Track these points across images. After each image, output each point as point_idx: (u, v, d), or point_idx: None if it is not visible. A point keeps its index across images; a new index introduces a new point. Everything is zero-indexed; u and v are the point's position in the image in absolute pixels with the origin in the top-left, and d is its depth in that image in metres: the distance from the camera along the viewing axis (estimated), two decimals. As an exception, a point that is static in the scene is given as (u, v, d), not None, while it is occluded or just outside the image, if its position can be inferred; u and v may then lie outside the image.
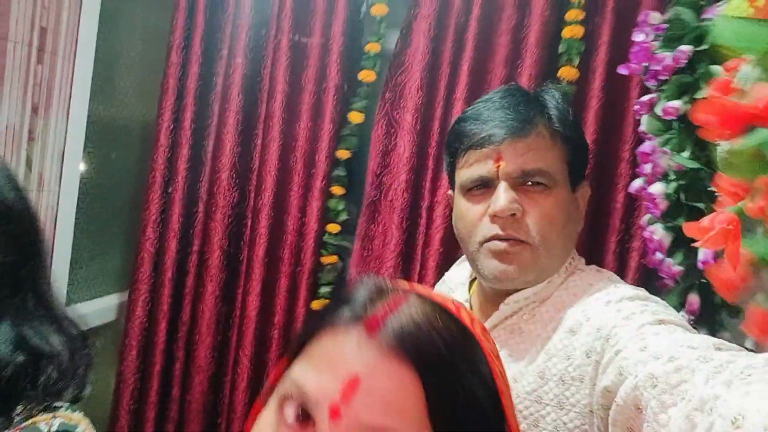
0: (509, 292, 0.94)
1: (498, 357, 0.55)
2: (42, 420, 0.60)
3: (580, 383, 0.82)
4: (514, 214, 0.90)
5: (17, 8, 1.63)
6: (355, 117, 1.71)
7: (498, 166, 0.91)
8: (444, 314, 0.51)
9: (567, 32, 1.48)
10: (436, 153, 1.60)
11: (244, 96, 1.75)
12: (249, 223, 1.77)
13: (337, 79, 1.69)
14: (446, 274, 1.22)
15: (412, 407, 0.47)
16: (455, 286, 1.12)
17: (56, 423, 0.60)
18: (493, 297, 0.97)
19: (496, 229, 0.91)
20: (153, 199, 1.78)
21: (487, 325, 0.95)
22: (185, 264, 1.82)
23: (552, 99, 0.97)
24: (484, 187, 0.94)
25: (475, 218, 0.94)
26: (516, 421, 0.55)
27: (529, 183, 0.92)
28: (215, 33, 1.78)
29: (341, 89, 1.70)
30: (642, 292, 0.88)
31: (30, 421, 0.58)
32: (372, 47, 1.68)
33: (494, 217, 0.91)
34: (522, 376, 0.89)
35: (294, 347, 0.54)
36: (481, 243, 0.93)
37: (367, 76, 1.68)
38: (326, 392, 0.47)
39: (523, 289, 0.93)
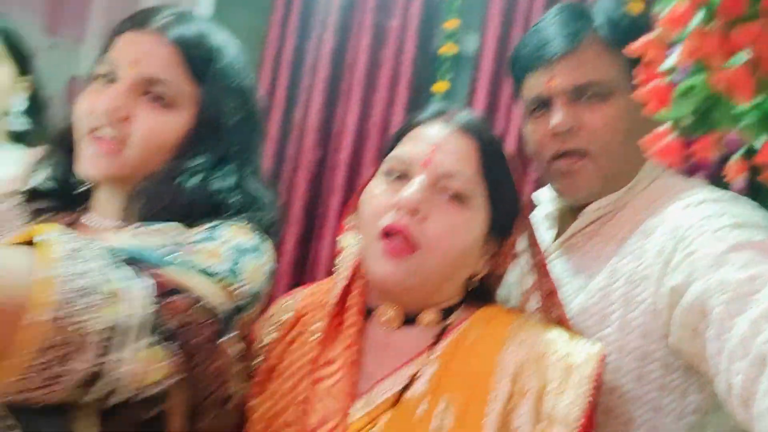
0: (588, 202, 0.96)
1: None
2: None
3: (647, 281, 0.82)
4: (571, 128, 0.91)
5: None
6: (440, 87, 1.89)
7: (550, 84, 0.92)
8: (488, 125, 0.92)
9: None
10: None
11: (331, 68, 2.01)
12: (327, 179, 2.02)
13: (413, 54, 1.91)
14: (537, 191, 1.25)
15: (471, 163, 0.79)
16: (545, 200, 1.11)
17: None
18: (573, 208, 1.00)
19: (557, 145, 0.93)
20: (247, 155, 2.06)
21: (567, 233, 0.99)
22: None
23: (604, 7, 0.94)
24: (543, 107, 0.95)
25: (539, 137, 0.96)
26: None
27: (586, 96, 0.91)
28: (309, 13, 2.05)
29: (417, 64, 1.92)
30: (727, 193, 0.84)
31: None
32: (451, 23, 1.88)
33: (554, 135, 0.92)
34: (594, 274, 0.91)
35: (387, 149, 0.84)
36: (548, 161, 0.95)
37: (449, 49, 1.88)
38: (418, 154, 0.78)
39: (599, 198, 0.95)
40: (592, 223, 0.96)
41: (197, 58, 0.76)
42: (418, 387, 0.73)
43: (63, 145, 0.80)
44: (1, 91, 1.27)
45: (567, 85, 0.92)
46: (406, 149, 0.80)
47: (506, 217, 0.83)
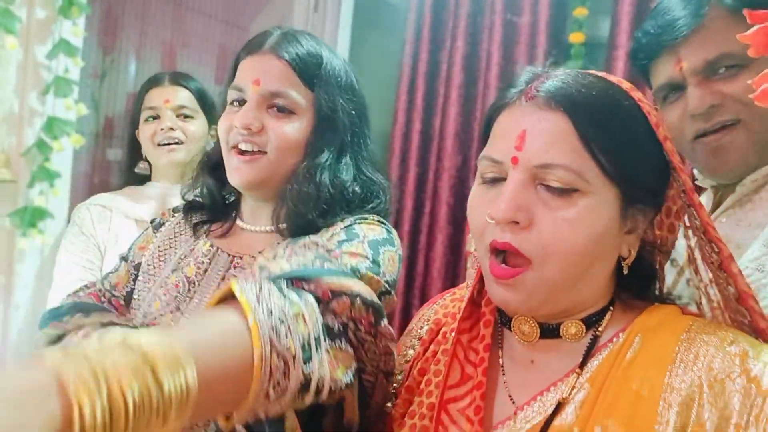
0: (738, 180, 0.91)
1: (660, 123, 0.66)
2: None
3: None
4: (713, 106, 0.86)
5: (296, 27, 2.17)
6: None
7: (680, 67, 0.89)
8: (594, 76, 0.65)
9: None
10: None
11: (465, 73, 2.05)
12: (471, 182, 2.04)
13: (546, 46, 1.88)
14: None
15: (568, 142, 0.61)
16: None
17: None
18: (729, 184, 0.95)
19: (699, 125, 0.88)
20: (392, 168, 2.17)
21: (723, 206, 0.93)
22: (419, 223, 2.17)
23: None
24: (677, 90, 0.91)
25: (677, 122, 0.91)
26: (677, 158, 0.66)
27: (721, 69, 0.87)
28: (439, 27, 2.11)
29: (551, 54, 1.89)
30: None
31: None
32: (580, 12, 1.83)
33: (693, 117, 0.88)
34: (748, 244, 0.87)
35: (482, 143, 0.72)
36: (691, 142, 0.90)
37: (577, 38, 1.84)
38: (507, 150, 0.63)
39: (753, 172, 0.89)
40: (750, 193, 0.90)
41: (306, 67, 0.85)
42: (566, 416, 0.62)
43: (209, 166, 0.95)
44: (199, 140, 1.49)
45: (698, 64, 0.87)
46: (493, 147, 0.66)
47: (647, 182, 0.66)
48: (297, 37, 0.87)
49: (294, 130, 0.85)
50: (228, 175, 0.87)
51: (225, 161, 0.88)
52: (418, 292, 2.16)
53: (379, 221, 0.85)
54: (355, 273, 0.71)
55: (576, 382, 0.64)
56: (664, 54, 0.91)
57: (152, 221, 1.00)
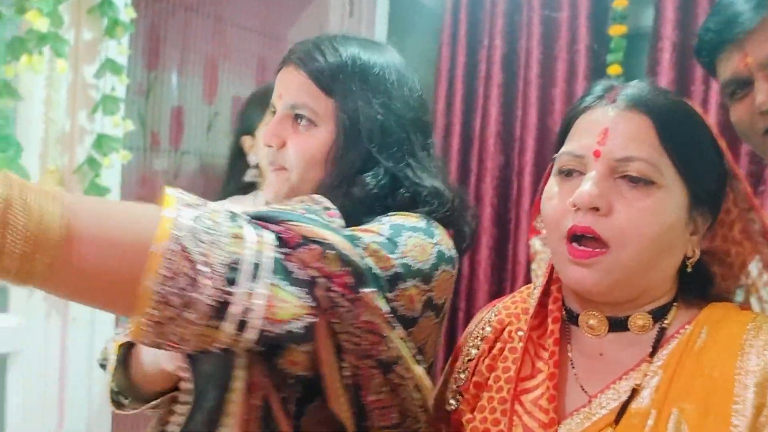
0: None
1: (720, 137, 0.74)
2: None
3: None
4: None
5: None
6: (614, 69, 1.81)
7: (746, 63, 0.87)
8: (666, 91, 0.78)
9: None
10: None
11: (504, 73, 2.01)
12: (514, 182, 2.01)
13: (587, 40, 1.83)
14: None
15: (647, 140, 0.69)
16: None
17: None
18: None
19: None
20: (434, 170, 2.15)
21: None
22: (462, 225, 2.14)
23: None
24: (744, 86, 0.90)
25: (746, 117, 0.90)
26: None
27: None
28: (476, 27, 2.09)
29: (592, 49, 1.84)
30: None
31: None
32: (620, 2, 1.78)
33: (763, 113, 0.87)
34: None
35: (557, 143, 0.76)
36: (762, 136, 0.90)
37: (618, 30, 1.79)
38: (588, 145, 0.70)
39: None
40: None
41: (324, 75, 0.81)
42: (642, 400, 0.66)
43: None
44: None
45: (764, 58, 0.86)
46: (574, 143, 0.72)
47: (709, 186, 0.73)
48: (320, 46, 0.83)
49: (315, 140, 0.81)
50: (264, 190, 0.87)
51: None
52: (464, 295, 2.13)
53: (423, 217, 0.78)
54: (352, 240, 0.64)
55: (648, 369, 0.68)
56: (729, 50, 0.90)
57: None
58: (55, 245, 0.47)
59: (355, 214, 0.77)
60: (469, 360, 0.81)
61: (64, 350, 1.46)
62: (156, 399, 0.82)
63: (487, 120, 2.04)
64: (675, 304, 0.72)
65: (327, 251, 0.60)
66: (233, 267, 0.54)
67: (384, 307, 0.64)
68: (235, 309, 0.53)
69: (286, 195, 0.82)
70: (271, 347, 0.59)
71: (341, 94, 0.80)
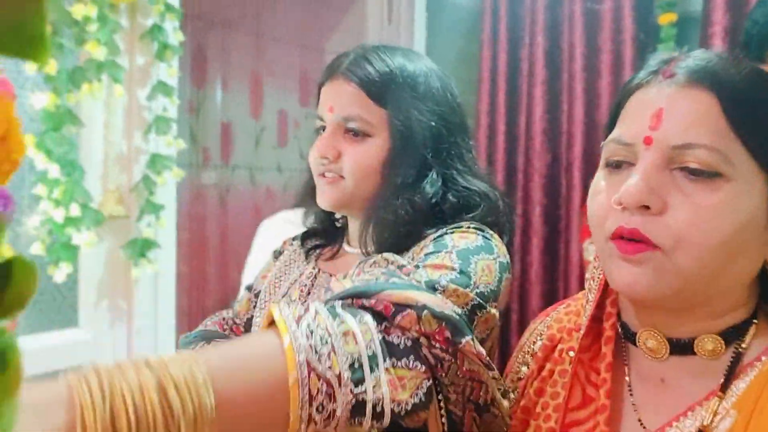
0: None
1: None
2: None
3: None
4: None
5: (372, 42, 2.21)
6: None
7: None
8: (736, 56, 0.60)
9: None
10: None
11: (548, 69, 1.98)
12: (563, 180, 1.97)
13: (632, 30, 1.79)
14: None
15: (712, 122, 0.54)
16: None
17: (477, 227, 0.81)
18: None
19: None
20: (480, 172, 2.14)
21: None
22: (511, 226, 2.12)
23: None
24: None
25: None
26: None
27: None
28: (517, 24, 2.07)
29: (638, 39, 1.79)
30: None
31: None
32: (667, -10, 1.73)
33: None
34: None
35: (605, 134, 0.65)
36: None
37: (667, 18, 1.74)
38: (638, 131, 0.57)
39: None
40: None
41: (375, 86, 0.83)
42: None
43: (312, 193, 0.94)
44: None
45: None
46: (623, 128, 0.59)
47: None
48: (367, 56, 0.85)
49: (369, 152, 0.83)
50: (317, 199, 0.89)
51: (316, 186, 0.89)
52: (516, 296, 2.10)
53: (476, 228, 0.79)
54: (432, 287, 0.66)
55: (719, 407, 0.56)
56: None
57: (274, 250, 1.04)
58: (211, 419, 0.50)
59: (416, 222, 0.79)
60: (519, 378, 0.74)
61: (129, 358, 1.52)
62: None
63: (533, 118, 2.02)
64: (755, 321, 0.59)
65: (421, 313, 0.61)
66: (354, 366, 0.57)
67: (481, 350, 0.64)
68: (368, 405, 0.57)
69: (342, 203, 0.86)
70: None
71: (393, 104, 0.82)
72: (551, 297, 2.03)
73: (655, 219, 0.55)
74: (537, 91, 2.00)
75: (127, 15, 1.43)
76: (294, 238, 1.02)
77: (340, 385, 0.56)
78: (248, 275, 1.48)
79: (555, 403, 0.67)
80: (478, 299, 0.68)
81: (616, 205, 0.57)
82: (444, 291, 0.66)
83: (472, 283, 0.69)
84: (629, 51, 1.80)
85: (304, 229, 0.99)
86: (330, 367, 0.56)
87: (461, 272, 0.69)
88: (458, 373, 0.63)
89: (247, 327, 0.96)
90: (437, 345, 0.61)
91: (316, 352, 0.56)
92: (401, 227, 0.80)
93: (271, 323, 0.60)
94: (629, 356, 0.64)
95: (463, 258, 0.71)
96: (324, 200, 0.87)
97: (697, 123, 0.55)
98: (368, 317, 0.61)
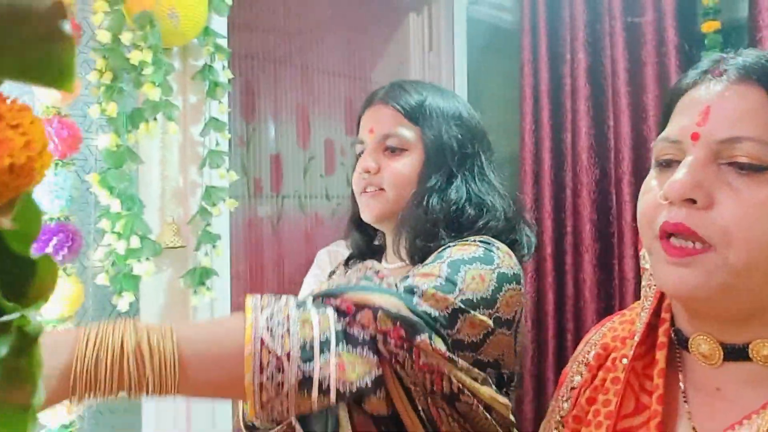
0: None
1: None
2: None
3: None
4: None
5: (414, 73, 2.26)
6: None
7: None
8: None
9: None
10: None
11: (591, 84, 1.97)
12: (613, 194, 1.93)
13: (676, 41, 1.76)
14: None
15: (761, 115, 0.54)
16: None
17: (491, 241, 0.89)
18: None
19: None
20: (525, 191, 2.12)
21: None
22: (562, 244, 2.08)
23: None
24: None
25: None
26: None
27: None
28: (557, 42, 2.07)
29: (683, 49, 1.76)
30: None
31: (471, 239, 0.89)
32: (709, -3, 1.70)
33: None
34: None
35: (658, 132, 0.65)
36: None
37: (711, 26, 1.70)
38: (686, 128, 0.57)
39: None
40: None
41: (410, 107, 0.94)
42: None
43: (354, 219, 1.04)
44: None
45: None
46: (671, 127, 0.60)
47: None
48: (402, 85, 0.97)
49: (406, 165, 0.93)
50: (361, 215, 0.98)
51: (359, 204, 0.98)
52: (570, 316, 2.06)
53: (482, 241, 0.86)
54: (411, 291, 0.74)
55: None
56: None
57: (330, 271, 1.14)
58: (174, 372, 0.63)
59: (438, 223, 0.88)
60: (573, 388, 0.74)
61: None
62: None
63: (578, 134, 2.00)
64: None
65: (377, 313, 0.69)
66: (306, 348, 0.66)
67: (441, 346, 0.71)
68: (315, 381, 0.66)
69: (384, 215, 0.94)
70: (355, 398, 0.70)
71: (426, 122, 0.93)
72: (607, 314, 1.97)
73: (701, 213, 0.54)
74: (581, 107, 1.99)
75: (180, 57, 1.53)
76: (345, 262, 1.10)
77: (288, 360, 0.65)
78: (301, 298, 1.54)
79: (606, 411, 0.66)
80: (460, 304, 0.75)
81: (663, 200, 0.57)
82: (422, 295, 0.74)
83: (457, 290, 0.76)
84: (674, 62, 1.77)
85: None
86: (282, 346, 0.65)
87: (447, 280, 0.77)
88: (413, 366, 0.70)
89: None
90: (391, 341, 0.69)
91: (270, 331, 0.66)
92: (430, 230, 0.89)
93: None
94: (684, 364, 0.63)
95: (453, 267, 0.79)
96: (368, 214, 0.95)
97: (746, 117, 0.54)
98: (330, 311, 0.70)
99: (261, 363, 0.64)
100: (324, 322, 0.68)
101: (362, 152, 0.97)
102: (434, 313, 0.73)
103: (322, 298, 0.73)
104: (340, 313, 0.71)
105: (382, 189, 0.93)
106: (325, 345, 0.67)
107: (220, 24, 1.57)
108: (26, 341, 0.23)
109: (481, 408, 0.74)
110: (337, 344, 0.67)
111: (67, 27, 0.22)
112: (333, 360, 0.66)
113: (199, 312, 1.60)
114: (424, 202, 0.90)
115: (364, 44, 2.37)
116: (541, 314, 2.10)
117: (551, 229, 2.07)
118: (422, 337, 0.69)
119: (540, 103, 2.10)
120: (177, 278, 1.56)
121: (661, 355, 0.63)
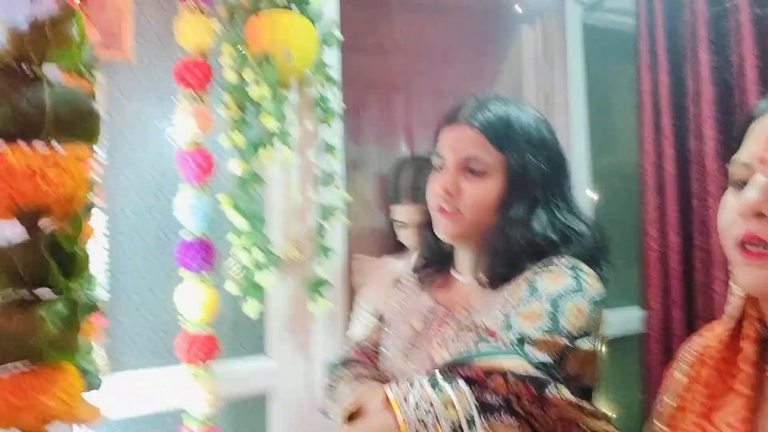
0: None
1: None
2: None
3: None
4: None
5: (528, 85, 2.26)
6: None
7: None
8: None
9: None
10: None
11: (716, 86, 1.83)
12: (745, 203, 1.77)
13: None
14: None
15: None
16: None
17: (575, 263, 0.88)
18: None
19: None
20: (648, 200, 2.02)
21: None
22: (690, 258, 1.95)
23: None
24: None
25: None
26: None
27: None
28: (676, 42, 1.96)
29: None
30: None
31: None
32: None
33: None
34: None
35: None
36: None
37: None
38: (754, 152, 0.66)
39: None
40: None
41: (495, 131, 0.93)
42: None
43: (426, 221, 1.05)
44: None
45: None
46: (743, 151, 0.68)
47: None
48: (487, 104, 0.96)
49: (486, 190, 0.93)
50: (435, 230, 1.00)
51: (432, 218, 1.00)
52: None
53: (568, 267, 0.86)
54: (523, 341, 0.77)
55: None
56: None
57: (394, 279, 1.16)
58: None
59: (522, 255, 0.90)
60: (674, 387, 0.80)
61: (308, 387, 1.73)
62: None
63: (703, 140, 1.87)
64: None
65: (508, 378, 0.73)
66: (457, 430, 0.71)
67: (567, 393, 0.74)
68: None
69: (460, 236, 0.96)
70: None
71: (511, 148, 0.92)
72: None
73: None
74: (705, 111, 1.85)
75: (296, 88, 1.70)
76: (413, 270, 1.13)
77: None
78: (356, 311, 1.65)
79: (697, 411, 0.73)
80: (566, 341, 0.78)
81: (738, 216, 0.65)
82: (535, 344, 0.77)
83: (560, 327, 0.79)
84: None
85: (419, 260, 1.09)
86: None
87: (551, 320, 0.80)
88: (547, 419, 0.73)
89: (378, 352, 1.07)
90: (525, 400, 0.72)
91: (422, 422, 0.71)
92: (511, 259, 0.90)
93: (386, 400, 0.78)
94: None
95: (554, 304, 0.81)
96: (444, 233, 0.97)
97: None
98: (463, 385, 0.74)
99: None
100: (462, 399, 0.73)
101: (441, 166, 0.97)
102: (549, 360, 0.76)
103: (449, 368, 0.77)
104: (470, 382, 0.74)
105: (458, 211, 0.94)
106: (470, 422, 0.71)
107: (331, 54, 1.72)
108: (75, 305, 0.35)
109: None
110: (481, 417, 0.72)
111: (96, 106, 0.33)
112: None
113: (317, 319, 1.75)
114: (507, 233, 0.91)
115: (479, 64, 2.42)
116: (668, 334, 1.98)
117: (677, 243, 1.95)
118: (551, 390, 0.73)
119: (660, 108, 2.00)
120: (298, 288, 1.72)
121: (747, 345, 0.69)
